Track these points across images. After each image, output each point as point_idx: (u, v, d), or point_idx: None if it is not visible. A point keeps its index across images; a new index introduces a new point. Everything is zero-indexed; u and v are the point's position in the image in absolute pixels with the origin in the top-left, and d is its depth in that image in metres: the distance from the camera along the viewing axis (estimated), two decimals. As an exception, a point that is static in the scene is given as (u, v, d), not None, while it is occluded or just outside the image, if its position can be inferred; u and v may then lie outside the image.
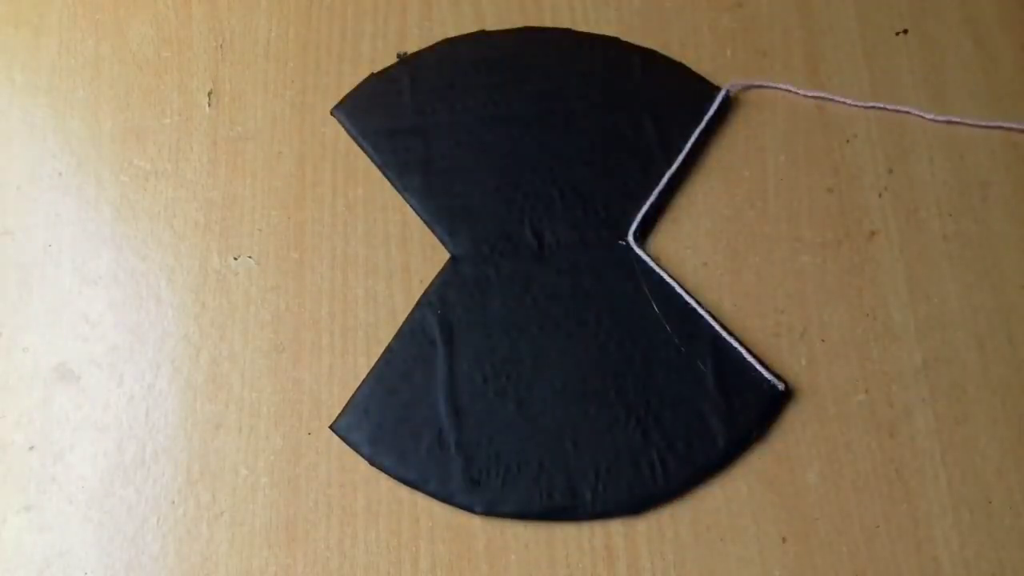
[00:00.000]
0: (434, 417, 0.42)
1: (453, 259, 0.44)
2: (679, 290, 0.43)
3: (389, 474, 0.41)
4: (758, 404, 0.41)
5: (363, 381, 0.43)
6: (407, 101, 0.47)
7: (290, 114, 0.48)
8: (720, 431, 0.41)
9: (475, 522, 0.41)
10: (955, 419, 0.41)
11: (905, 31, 0.48)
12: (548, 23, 0.49)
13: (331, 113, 0.47)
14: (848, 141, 0.46)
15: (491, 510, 0.40)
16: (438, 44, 0.48)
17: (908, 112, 0.46)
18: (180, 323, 0.44)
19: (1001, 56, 0.47)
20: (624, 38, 0.48)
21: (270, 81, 0.48)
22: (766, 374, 0.42)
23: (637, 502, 0.41)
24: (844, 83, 0.47)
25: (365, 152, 0.47)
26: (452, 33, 0.49)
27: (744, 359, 0.42)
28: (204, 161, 0.47)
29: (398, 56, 0.48)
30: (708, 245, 0.45)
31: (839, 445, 0.41)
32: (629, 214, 0.45)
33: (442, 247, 0.45)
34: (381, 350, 0.43)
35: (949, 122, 0.46)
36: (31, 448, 0.42)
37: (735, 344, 0.42)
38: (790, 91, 0.46)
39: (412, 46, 0.49)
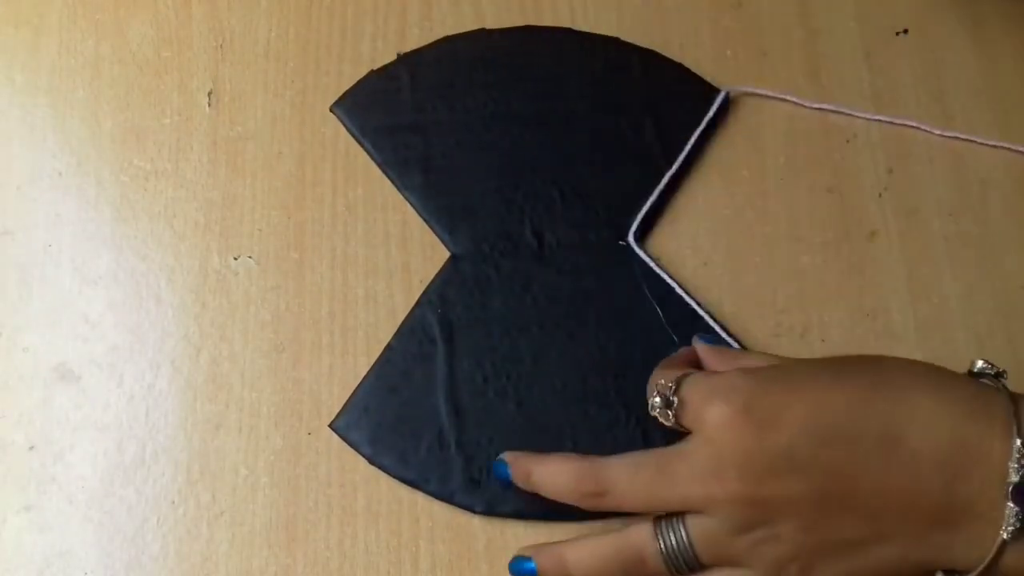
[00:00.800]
0: (434, 416, 0.42)
1: (453, 258, 0.44)
2: (679, 290, 0.43)
3: (389, 473, 0.41)
4: None
5: (363, 380, 0.43)
6: (407, 99, 0.47)
7: (290, 114, 0.48)
8: None
9: (475, 522, 0.41)
10: (955, 419, 0.41)
11: (905, 31, 0.48)
12: (548, 23, 0.49)
13: (330, 110, 0.47)
14: (848, 141, 0.46)
15: (491, 510, 0.40)
16: (438, 42, 0.48)
17: (914, 127, 0.46)
18: (180, 323, 0.44)
19: (1001, 57, 0.47)
20: (624, 38, 0.48)
21: (270, 81, 0.48)
22: None
23: None
24: (844, 83, 0.47)
25: (364, 150, 0.47)
26: (452, 32, 0.49)
27: None
28: (204, 161, 0.47)
29: (398, 56, 0.48)
30: (708, 245, 0.45)
31: (839, 445, 0.41)
32: (629, 214, 0.45)
33: (442, 246, 0.45)
34: (381, 350, 0.43)
35: (954, 138, 0.46)
36: (31, 448, 0.42)
37: (735, 344, 0.42)
38: (792, 102, 0.46)
39: (412, 46, 0.49)
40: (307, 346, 0.44)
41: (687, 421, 0.35)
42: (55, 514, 0.41)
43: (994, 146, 0.45)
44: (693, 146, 0.45)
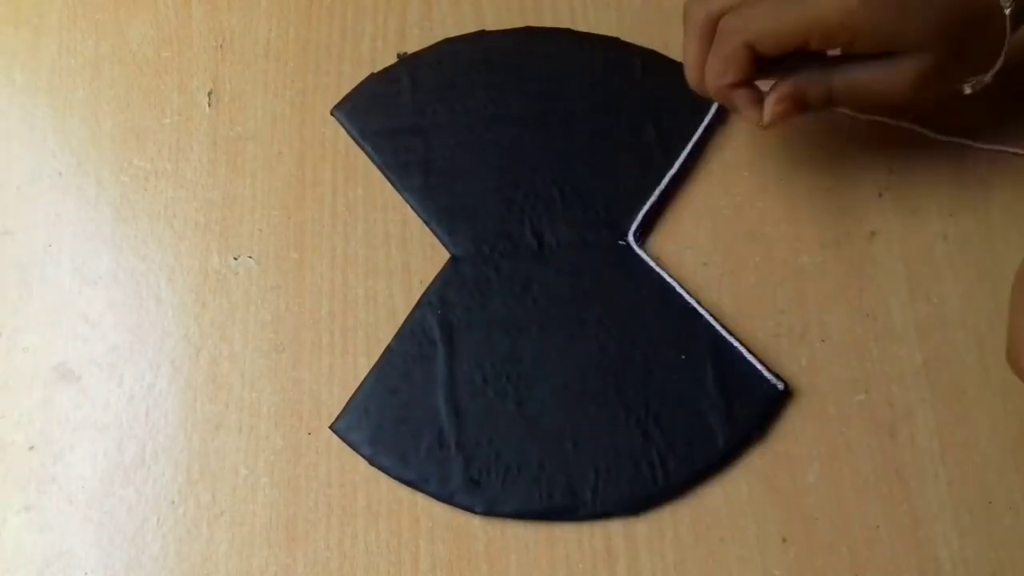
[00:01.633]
0: (434, 417, 0.42)
1: (453, 259, 0.44)
2: (679, 290, 0.43)
3: (389, 474, 0.41)
4: (758, 404, 0.41)
5: (363, 381, 0.43)
6: (407, 101, 0.47)
7: (290, 114, 0.48)
8: (720, 431, 0.41)
9: (475, 522, 0.41)
10: (955, 419, 0.41)
11: (905, 31, 0.48)
12: (548, 23, 0.49)
13: (331, 113, 0.47)
14: (848, 141, 0.46)
15: (491, 510, 0.40)
16: (438, 44, 0.48)
17: (911, 128, 0.46)
18: (180, 323, 0.44)
19: (1001, 56, 0.47)
20: (624, 38, 0.48)
21: (270, 81, 0.48)
22: (766, 374, 0.42)
23: (637, 502, 0.41)
24: (844, 83, 0.47)
25: (365, 152, 0.47)
26: (452, 33, 0.49)
27: (744, 359, 0.42)
28: (204, 161, 0.47)
29: (398, 56, 0.48)
30: (708, 245, 0.45)
31: (839, 445, 0.41)
32: (629, 214, 0.45)
33: (442, 247, 0.45)
34: (381, 350, 0.43)
35: (950, 141, 0.46)
36: (31, 448, 0.42)
37: (735, 344, 0.42)
38: None
39: (412, 46, 0.49)
40: (307, 346, 0.44)
41: None
42: (55, 514, 0.41)
43: (993, 150, 0.45)
44: (693, 146, 0.45)
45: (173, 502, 0.41)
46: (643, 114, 0.46)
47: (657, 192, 0.45)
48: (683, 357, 0.42)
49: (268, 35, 0.49)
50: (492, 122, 0.47)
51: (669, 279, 0.43)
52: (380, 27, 0.49)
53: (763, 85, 0.40)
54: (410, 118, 0.47)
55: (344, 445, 0.42)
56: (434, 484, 0.41)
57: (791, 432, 0.42)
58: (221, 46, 0.49)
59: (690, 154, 0.45)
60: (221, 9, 0.50)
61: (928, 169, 0.46)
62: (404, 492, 0.41)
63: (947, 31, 0.37)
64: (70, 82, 0.49)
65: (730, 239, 0.45)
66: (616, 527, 0.41)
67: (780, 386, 0.41)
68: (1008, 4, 0.37)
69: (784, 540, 0.40)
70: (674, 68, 0.47)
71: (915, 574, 0.39)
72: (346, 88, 0.48)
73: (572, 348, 0.43)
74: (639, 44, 0.48)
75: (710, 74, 0.39)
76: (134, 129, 0.48)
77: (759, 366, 0.42)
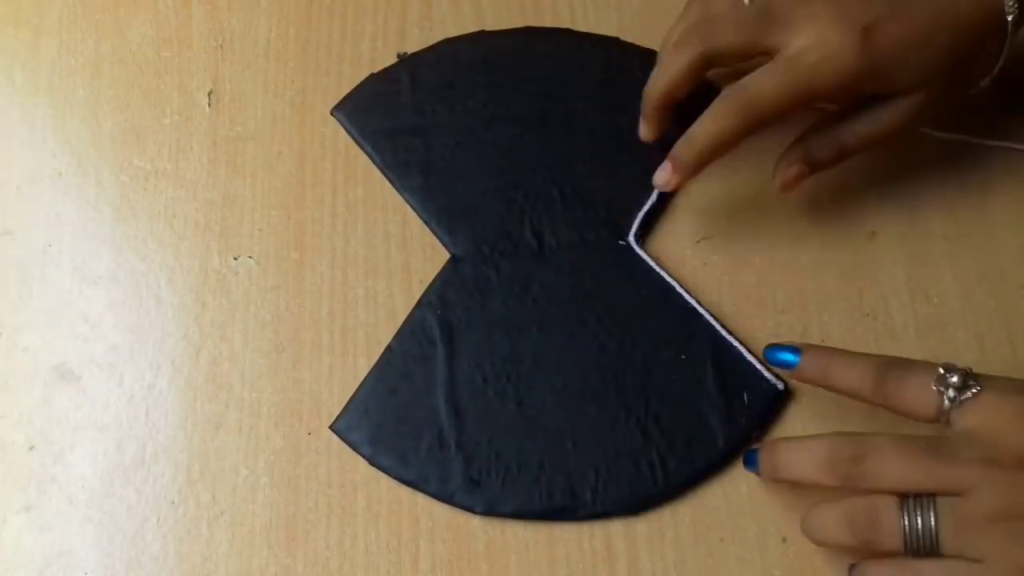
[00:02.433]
0: (434, 417, 0.42)
1: (453, 259, 0.44)
2: (679, 290, 0.43)
3: (389, 474, 0.41)
4: (758, 404, 0.41)
5: (363, 381, 0.43)
6: (407, 101, 0.47)
7: (290, 114, 0.48)
8: (720, 431, 0.41)
9: (475, 522, 0.41)
10: (955, 419, 0.41)
11: (905, 31, 0.48)
12: (548, 23, 0.49)
13: (331, 113, 0.47)
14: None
15: (491, 510, 0.40)
16: (438, 44, 0.48)
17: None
18: (180, 323, 0.44)
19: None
20: (624, 38, 0.48)
21: (270, 81, 0.48)
22: (766, 374, 0.42)
23: (637, 502, 0.41)
24: (844, 83, 0.47)
25: (365, 152, 0.47)
26: (452, 33, 0.49)
27: (744, 359, 0.42)
28: (204, 161, 0.47)
29: (398, 56, 0.48)
30: (708, 245, 0.45)
31: (839, 445, 0.41)
32: (629, 214, 0.45)
33: (442, 247, 0.45)
34: (381, 350, 0.43)
35: (951, 139, 0.46)
36: (31, 448, 0.42)
37: (735, 344, 0.42)
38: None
39: (412, 46, 0.49)
40: (307, 346, 0.44)
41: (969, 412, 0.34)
42: (55, 514, 0.41)
43: (994, 145, 0.45)
44: None
45: (173, 502, 0.41)
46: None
47: (656, 192, 0.45)
48: (683, 357, 0.42)
49: (268, 35, 0.49)
50: (492, 122, 0.47)
51: (669, 279, 0.43)
52: (380, 27, 0.49)
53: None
54: (410, 118, 0.47)
55: (344, 445, 0.42)
56: (434, 484, 0.41)
57: (791, 432, 0.41)
58: (221, 46, 0.49)
59: None
60: (221, 9, 0.50)
61: (928, 169, 0.46)
62: (404, 492, 0.41)
63: (947, 65, 0.38)
64: (70, 82, 0.49)
65: (730, 239, 0.45)
66: (616, 527, 0.41)
67: (780, 386, 0.41)
68: (1012, 11, 0.37)
69: (784, 540, 0.40)
70: None
71: (915, 574, 0.39)
72: (346, 88, 0.48)
73: (572, 348, 0.43)
74: (639, 44, 0.48)
75: (702, 130, 0.40)
76: (134, 129, 0.48)
77: (759, 366, 0.42)
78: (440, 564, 0.40)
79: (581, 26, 0.49)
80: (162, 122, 0.48)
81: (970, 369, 0.35)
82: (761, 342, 0.43)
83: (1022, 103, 0.46)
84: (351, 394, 0.43)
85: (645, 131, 0.44)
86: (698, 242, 0.45)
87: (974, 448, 0.33)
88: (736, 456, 0.41)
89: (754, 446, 0.39)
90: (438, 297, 0.44)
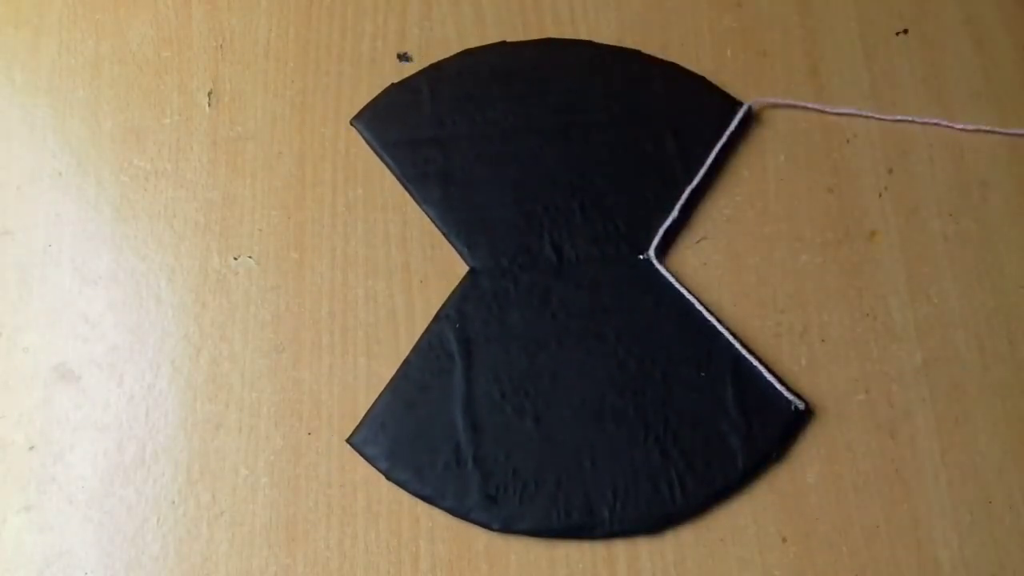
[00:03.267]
0: (451, 432, 0.42)
1: (472, 272, 0.44)
2: (699, 307, 0.43)
3: (405, 489, 0.41)
4: (777, 423, 0.41)
5: (380, 394, 0.42)
6: (427, 112, 0.47)
7: (290, 114, 0.48)
8: (739, 450, 0.41)
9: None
10: (955, 419, 0.41)
11: (905, 31, 0.48)
12: (548, 23, 0.49)
13: (351, 123, 0.47)
14: (848, 141, 0.46)
15: (508, 527, 0.40)
16: (458, 55, 0.48)
17: (912, 121, 0.46)
18: (180, 323, 0.44)
19: (1001, 57, 0.47)
20: (624, 38, 0.48)
21: (270, 81, 0.48)
22: (786, 393, 0.41)
23: (655, 521, 0.40)
24: (844, 83, 0.47)
25: (384, 163, 0.46)
26: (452, 34, 0.49)
27: (764, 377, 0.42)
28: (204, 161, 0.47)
29: (398, 56, 0.48)
30: (708, 245, 0.45)
31: (839, 445, 0.41)
32: (649, 229, 0.44)
33: (443, 246, 0.45)
34: (381, 350, 0.43)
35: (949, 127, 0.45)
36: (31, 448, 0.42)
37: (755, 363, 0.42)
38: (817, 110, 0.46)
39: (412, 46, 0.49)
40: (307, 346, 0.44)
41: None
42: (55, 514, 0.41)
43: (990, 132, 0.45)
44: (714, 160, 0.45)
45: (173, 502, 0.41)
46: (664, 127, 0.46)
47: (677, 208, 0.44)
48: (702, 375, 0.42)
49: (268, 35, 0.49)
50: (512, 134, 0.46)
51: (689, 296, 0.43)
52: (380, 27, 0.49)
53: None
54: (430, 129, 0.47)
55: (344, 445, 0.42)
56: (450, 500, 0.40)
57: (811, 453, 0.41)
58: (221, 46, 0.49)
59: (711, 169, 0.45)
60: (221, 9, 0.50)
61: (928, 169, 0.46)
62: (404, 492, 0.41)
63: None
64: (70, 82, 0.49)
65: (730, 239, 0.45)
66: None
67: (800, 405, 0.41)
68: None
69: (784, 540, 0.40)
70: (696, 81, 0.47)
71: (915, 574, 0.40)
72: (346, 88, 0.48)
73: (591, 364, 0.42)
74: (638, 44, 0.48)
75: None
76: (134, 129, 0.48)
77: (779, 385, 0.41)
78: (440, 564, 0.40)
79: (581, 25, 0.49)
80: (162, 122, 0.48)
81: None
82: (761, 342, 0.43)
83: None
84: (351, 394, 0.43)
85: None
86: (698, 242, 0.45)
87: None
88: (754, 476, 0.41)
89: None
90: (456, 311, 0.43)
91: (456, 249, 0.45)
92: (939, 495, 0.40)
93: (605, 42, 0.48)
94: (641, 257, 0.44)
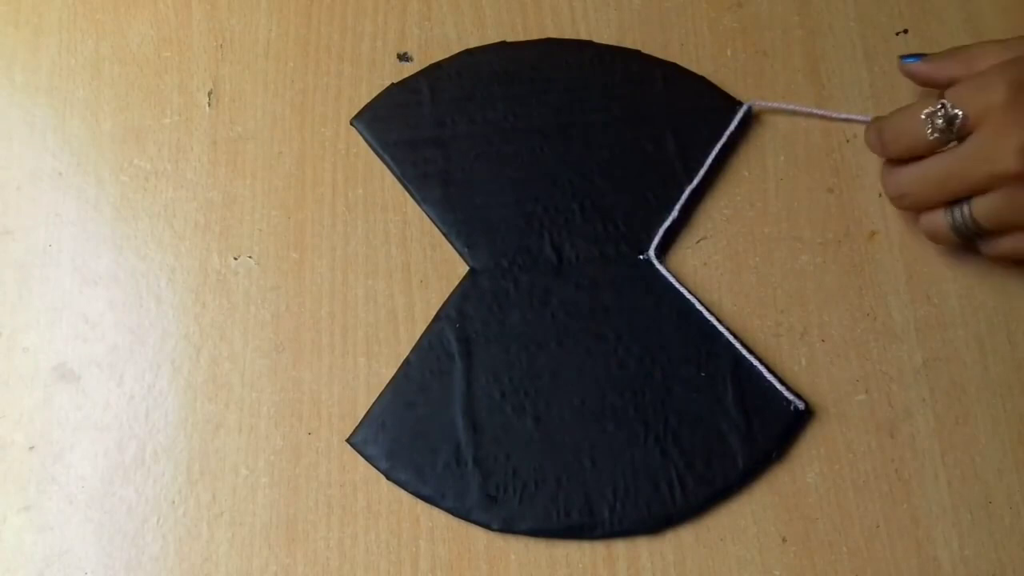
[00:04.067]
0: (451, 432, 0.42)
1: (472, 272, 0.44)
2: (699, 307, 0.43)
3: (406, 489, 0.41)
4: (777, 423, 0.41)
5: (380, 394, 0.42)
6: (427, 112, 0.47)
7: (290, 114, 0.48)
8: (739, 450, 0.41)
9: (475, 522, 0.41)
10: (955, 419, 0.41)
11: (905, 31, 0.48)
12: (548, 23, 0.49)
13: (351, 123, 0.47)
14: (848, 141, 0.46)
15: (508, 527, 0.40)
16: (458, 55, 0.48)
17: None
18: (180, 323, 0.44)
19: (1001, 56, 0.47)
20: (624, 38, 0.48)
21: (270, 81, 0.48)
22: (786, 393, 0.41)
23: (655, 521, 0.40)
24: (844, 83, 0.47)
25: (384, 163, 0.46)
26: (452, 34, 0.49)
27: (764, 377, 0.42)
28: (204, 161, 0.47)
29: (398, 56, 0.48)
30: (708, 245, 0.45)
31: (839, 445, 0.41)
32: (649, 229, 0.44)
33: (443, 246, 0.45)
34: (381, 350, 0.43)
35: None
36: (31, 448, 0.42)
37: (755, 362, 0.42)
38: (819, 115, 0.46)
39: (412, 46, 0.49)
40: (307, 346, 0.44)
41: (970, 126, 0.38)
42: (55, 514, 0.41)
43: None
44: (714, 161, 0.45)
45: (173, 502, 0.41)
46: (663, 127, 0.46)
47: (677, 208, 0.44)
48: (703, 375, 0.42)
49: (268, 35, 0.49)
50: (512, 134, 0.46)
51: (689, 295, 0.43)
52: (380, 27, 0.49)
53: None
54: (430, 129, 0.47)
55: (344, 445, 0.42)
56: (451, 500, 0.41)
57: (810, 452, 0.41)
58: (221, 46, 0.49)
59: (711, 169, 0.45)
60: (221, 9, 0.50)
61: (928, 169, 0.45)
62: (404, 492, 0.41)
63: None
64: (70, 82, 0.49)
65: (730, 239, 0.45)
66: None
67: (801, 405, 0.41)
68: None
69: (784, 540, 0.40)
70: (696, 82, 0.47)
71: (915, 574, 0.40)
72: (346, 88, 0.48)
73: (591, 364, 0.42)
74: (638, 44, 0.48)
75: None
76: (134, 129, 0.48)
77: (779, 385, 0.41)
78: (440, 564, 0.40)
79: (580, 25, 0.49)
80: (162, 122, 0.48)
81: None
82: (761, 342, 0.43)
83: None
84: (351, 394, 0.43)
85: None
86: (698, 242, 0.45)
87: (980, 150, 0.38)
88: (754, 476, 0.41)
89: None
90: (456, 311, 0.43)
91: (456, 249, 0.45)
92: (939, 495, 0.40)
93: (605, 42, 0.48)
94: (641, 257, 0.44)
